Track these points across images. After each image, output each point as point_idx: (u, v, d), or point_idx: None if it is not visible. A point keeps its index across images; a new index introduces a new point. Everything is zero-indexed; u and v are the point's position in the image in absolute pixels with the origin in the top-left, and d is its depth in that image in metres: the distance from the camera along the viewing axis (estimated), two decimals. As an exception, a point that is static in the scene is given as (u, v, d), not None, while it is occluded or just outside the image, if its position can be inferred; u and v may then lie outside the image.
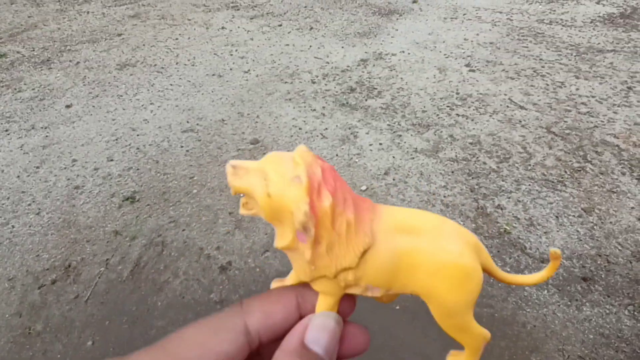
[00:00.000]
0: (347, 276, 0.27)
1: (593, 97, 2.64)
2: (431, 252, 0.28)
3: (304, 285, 0.29)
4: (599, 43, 3.30)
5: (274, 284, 0.31)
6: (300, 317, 0.28)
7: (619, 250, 1.68)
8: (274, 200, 0.26)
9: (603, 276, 1.58)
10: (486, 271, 0.31)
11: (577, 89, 2.72)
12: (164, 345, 0.23)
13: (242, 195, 0.28)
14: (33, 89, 2.80)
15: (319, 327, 0.26)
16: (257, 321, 0.26)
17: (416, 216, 0.29)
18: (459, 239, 0.29)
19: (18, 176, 2.09)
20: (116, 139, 2.33)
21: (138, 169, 2.12)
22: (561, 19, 3.75)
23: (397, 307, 1.49)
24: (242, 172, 0.27)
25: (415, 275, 0.28)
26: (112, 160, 2.18)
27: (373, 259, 0.27)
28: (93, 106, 2.62)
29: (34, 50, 3.30)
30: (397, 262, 0.28)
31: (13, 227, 1.82)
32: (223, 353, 0.24)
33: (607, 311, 1.47)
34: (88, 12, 3.97)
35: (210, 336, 0.24)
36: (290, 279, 0.31)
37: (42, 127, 2.43)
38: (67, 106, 2.62)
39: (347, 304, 0.29)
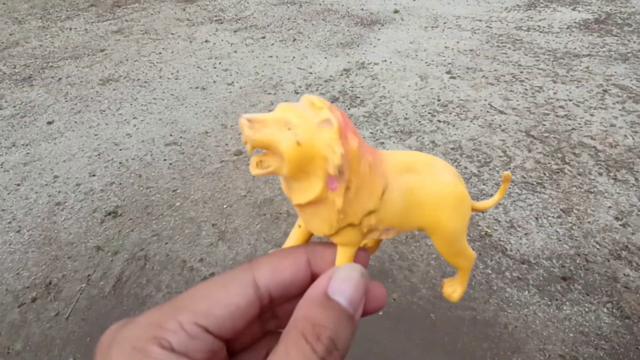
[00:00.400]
0: (370, 220, 0.27)
1: (570, 100, 2.69)
2: (432, 186, 0.30)
3: (312, 243, 0.30)
4: (575, 48, 3.37)
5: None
6: (312, 274, 0.27)
7: (597, 249, 1.71)
8: (305, 148, 0.25)
9: (582, 275, 1.61)
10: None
11: (555, 93, 2.77)
12: (174, 301, 0.23)
13: (255, 153, 0.26)
14: (14, 107, 2.78)
15: (343, 278, 0.25)
16: (266, 276, 0.25)
17: (411, 156, 0.31)
18: (449, 171, 0.31)
19: (-1, 194, 2.07)
20: (98, 154, 2.32)
21: (121, 184, 2.12)
22: (539, 26, 3.83)
23: (380, 313, 1.50)
24: (260, 125, 0.25)
25: (421, 210, 0.29)
26: (94, 175, 2.18)
27: (389, 200, 0.28)
28: (75, 122, 2.61)
29: (15, 67, 3.29)
30: (407, 200, 0.29)
31: (-7, 245, 1.81)
32: (232, 305, 0.23)
33: (587, 309, 1.49)
34: (71, 29, 3.97)
35: (219, 290, 0.24)
36: (288, 243, 0.31)
37: (23, 145, 2.42)
38: (49, 122, 2.61)
39: (362, 258, 0.29)
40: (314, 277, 0.27)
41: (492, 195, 1.98)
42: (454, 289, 0.35)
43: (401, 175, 0.29)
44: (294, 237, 0.31)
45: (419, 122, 2.53)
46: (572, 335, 1.42)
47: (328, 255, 0.28)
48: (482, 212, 1.89)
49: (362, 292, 0.25)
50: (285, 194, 0.29)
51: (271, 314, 0.28)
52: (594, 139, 2.33)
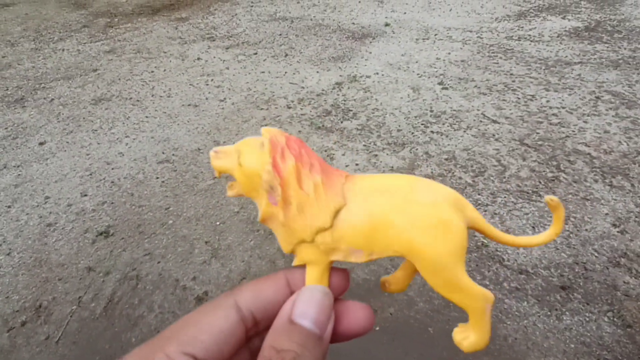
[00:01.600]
0: (324, 238, 0.28)
1: (563, 108, 2.69)
2: (403, 206, 0.28)
3: (295, 268, 0.30)
4: (566, 56, 3.39)
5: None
6: (292, 293, 0.28)
7: (596, 257, 1.69)
8: (245, 169, 0.29)
9: (581, 284, 1.58)
10: (477, 229, 0.31)
11: (548, 101, 2.78)
12: (160, 335, 0.23)
13: (230, 179, 0.31)
14: (6, 128, 2.77)
15: (306, 300, 0.25)
16: (247, 298, 0.26)
17: (389, 178, 0.30)
18: (431, 192, 0.29)
19: (-11, 217, 2.05)
20: (90, 174, 2.30)
21: (112, 203, 2.09)
22: (529, 35, 3.86)
23: (377, 328, 1.47)
24: (222, 154, 0.30)
25: (392, 233, 0.28)
26: (86, 195, 2.15)
27: (348, 219, 0.28)
28: (67, 142, 2.59)
29: (7, 89, 3.28)
30: (372, 221, 0.28)
31: (-18, 269, 1.77)
32: (216, 329, 0.24)
33: (587, 319, 1.46)
34: (63, 50, 3.98)
35: (202, 317, 0.24)
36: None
37: (14, 166, 2.40)
38: (41, 143, 2.60)
39: (338, 278, 0.30)
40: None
41: (487, 205, 1.97)
42: (464, 336, 0.31)
43: (370, 196, 0.29)
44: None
45: (412, 133, 2.53)
46: (573, 346, 1.39)
47: (303, 276, 0.29)
48: (484, 245, 1.87)
49: (327, 310, 0.25)
50: None
51: (259, 340, 0.27)
52: (589, 146, 2.32)
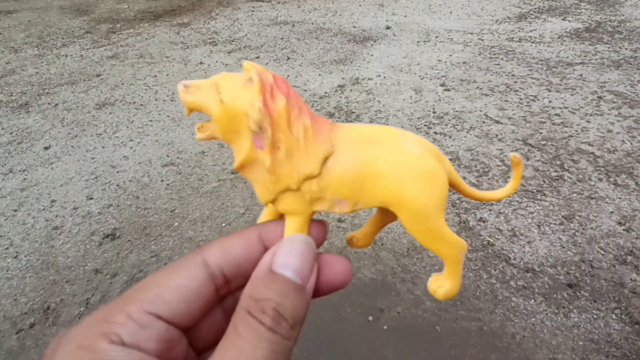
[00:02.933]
0: (311, 186, 0.27)
1: (566, 108, 2.70)
2: (393, 156, 0.28)
3: (269, 223, 0.28)
4: (567, 57, 3.41)
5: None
6: (266, 249, 0.26)
7: (602, 254, 1.69)
8: (227, 106, 0.26)
9: (588, 282, 1.58)
10: (451, 184, 0.31)
11: (550, 102, 2.78)
12: (122, 296, 0.22)
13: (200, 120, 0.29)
14: (11, 133, 2.79)
15: (287, 250, 0.24)
16: (216, 255, 0.24)
17: (375, 128, 0.29)
18: (418, 143, 0.29)
19: (-5, 220, 2.05)
20: (96, 177, 2.31)
21: (118, 206, 2.10)
22: (530, 36, 3.88)
23: (385, 327, 1.47)
24: (194, 88, 0.27)
25: (380, 183, 0.27)
26: (91, 198, 2.16)
27: (336, 168, 0.27)
28: (72, 146, 2.61)
29: (12, 95, 3.30)
30: (360, 170, 0.27)
31: (-10, 272, 1.78)
32: (182, 287, 0.22)
33: (595, 316, 1.46)
34: (66, 56, 4.00)
35: (167, 276, 0.23)
36: (259, 221, 0.30)
37: (20, 170, 2.41)
38: (46, 148, 2.61)
39: (317, 229, 0.28)
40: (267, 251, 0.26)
41: (491, 204, 1.97)
42: (439, 284, 0.30)
43: (358, 145, 0.28)
44: (265, 216, 0.31)
45: (415, 134, 2.53)
46: (581, 343, 1.39)
47: (279, 229, 0.27)
48: (489, 244, 1.88)
49: (309, 260, 0.24)
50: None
51: (233, 300, 0.26)
52: (592, 145, 2.33)
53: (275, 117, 0.26)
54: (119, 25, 4.81)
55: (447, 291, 0.30)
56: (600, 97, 2.78)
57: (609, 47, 3.51)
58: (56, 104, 3.12)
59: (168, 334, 0.21)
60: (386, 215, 0.33)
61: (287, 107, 0.26)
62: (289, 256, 0.24)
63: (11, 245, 1.91)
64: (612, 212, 1.88)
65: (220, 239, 0.26)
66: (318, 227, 0.29)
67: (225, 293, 0.25)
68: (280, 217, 0.30)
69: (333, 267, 0.26)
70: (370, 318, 1.50)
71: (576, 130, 2.47)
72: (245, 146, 0.26)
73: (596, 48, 3.52)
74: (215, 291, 0.24)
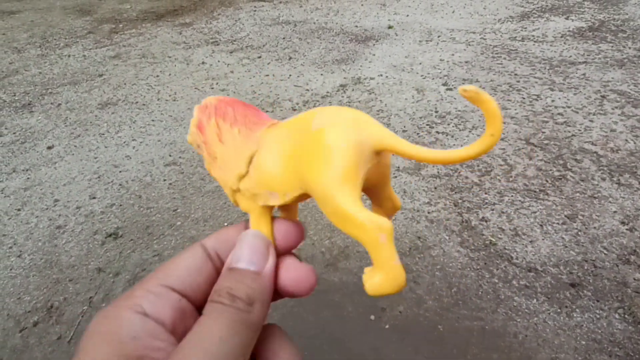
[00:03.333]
0: (246, 184, 0.30)
1: (569, 107, 2.69)
2: (300, 139, 0.27)
3: None
4: (570, 56, 3.40)
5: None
6: None
7: (605, 254, 1.68)
8: (189, 136, 0.33)
9: (591, 281, 1.58)
10: (387, 149, 0.27)
11: (553, 101, 2.78)
12: (143, 278, 0.27)
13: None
14: (14, 133, 2.80)
15: (239, 245, 0.28)
16: (212, 239, 0.29)
17: (305, 114, 0.28)
18: (325, 118, 0.27)
19: (-1, 220, 2.06)
20: (98, 177, 2.32)
21: (121, 205, 2.11)
22: (533, 36, 3.87)
23: (387, 327, 1.47)
24: (191, 130, 0.33)
25: (294, 168, 0.27)
26: (94, 198, 2.17)
27: (260, 163, 0.29)
28: (75, 146, 2.61)
29: (15, 95, 3.31)
30: (278, 161, 0.29)
31: (-7, 271, 1.79)
32: (187, 265, 0.27)
33: (598, 316, 1.46)
34: (69, 56, 4.01)
35: (175, 259, 0.28)
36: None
37: (23, 170, 2.42)
38: (49, 147, 2.62)
39: (284, 226, 0.31)
40: None
41: (494, 204, 1.97)
42: (368, 276, 0.26)
43: (282, 137, 0.29)
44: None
45: (417, 134, 2.53)
46: (584, 342, 1.38)
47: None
48: (492, 244, 1.87)
49: (260, 249, 0.27)
50: None
51: None
52: (595, 145, 2.32)
53: (207, 134, 0.31)
54: (121, 26, 4.82)
55: (375, 285, 0.25)
56: (603, 96, 2.77)
57: (612, 46, 3.50)
58: (59, 104, 3.13)
59: (181, 304, 0.26)
60: (379, 204, 0.31)
61: (217, 122, 0.31)
62: (240, 250, 0.27)
63: (15, 244, 1.91)
64: (615, 212, 1.88)
65: (218, 230, 0.31)
66: (283, 224, 0.31)
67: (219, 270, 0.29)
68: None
69: (293, 272, 0.28)
70: (372, 317, 1.50)
71: (579, 130, 2.46)
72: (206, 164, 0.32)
73: (599, 47, 3.51)
74: (215, 269, 0.28)
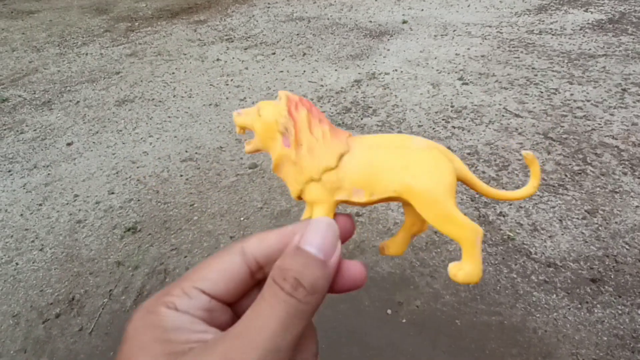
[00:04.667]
0: (330, 177, 0.32)
1: (588, 101, 2.65)
2: (400, 152, 0.32)
3: (304, 220, 0.32)
4: (590, 49, 3.33)
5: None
6: None
7: (627, 249, 1.65)
8: (263, 119, 0.33)
9: (612, 277, 1.55)
10: (464, 181, 0.35)
11: (572, 95, 2.73)
12: (181, 278, 0.27)
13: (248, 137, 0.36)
14: (34, 130, 2.85)
15: (311, 230, 0.28)
16: (253, 244, 0.28)
17: (388, 136, 0.34)
18: (424, 141, 0.33)
19: (21, 214, 2.11)
20: (117, 173, 2.35)
21: (139, 200, 2.13)
22: (550, 29, 3.81)
23: (404, 321, 1.46)
24: (244, 113, 0.35)
25: (391, 174, 0.32)
26: (113, 193, 2.20)
27: (351, 161, 0.32)
28: (93, 142, 2.65)
29: (35, 93, 3.37)
30: (373, 164, 0.32)
31: (17, 264, 1.83)
32: (222, 270, 0.27)
33: (620, 312, 1.43)
34: (87, 54, 4.07)
35: (213, 260, 0.28)
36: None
37: (44, 166, 2.47)
38: (68, 144, 2.66)
39: (343, 221, 0.32)
40: None
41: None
42: (459, 267, 0.32)
43: (372, 148, 0.33)
44: (307, 213, 0.35)
45: (433, 128, 2.51)
46: (605, 338, 1.36)
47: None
48: (510, 239, 1.86)
49: (332, 239, 0.27)
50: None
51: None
52: (616, 139, 2.27)
53: (298, 122, 0.33)
54: (137, 24, 4.88)
55: (466, 274, 0.32)
56: (624, 90, 2.72)
57: (633, 39, 3.42)
58: (77, 101, 3.18)
59: (211, 305, 0.26)
60: (414, 221, 0.36)
61: (308, 115, 0.33)
62: (313, 234, 0.27)
63: (37, 238, 1.95)
64: (637, 207, 1.84)
65: (260, 232, 0.30)
66: (344, 219, 0.33)
67: (261, 277, 0.28)
68: None
69: (350, 271, 0.29)
70: (389, 311, 1.50)
71: (599, 124, 2.42)
72: (277, 147, 0.33)
73: (620, 40, 3.43)
74: (250, 274, 0.28)
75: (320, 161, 0.32)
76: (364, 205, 0.34)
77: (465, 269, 0.32)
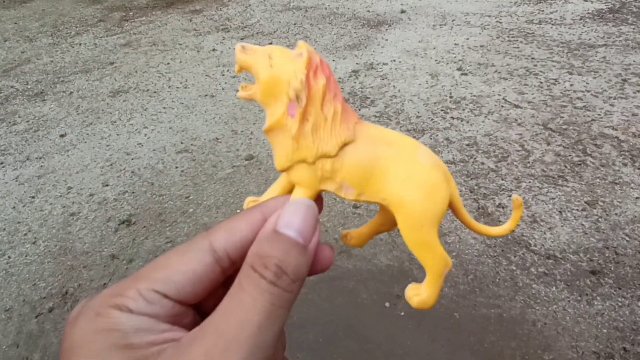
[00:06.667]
0: (325, 165, 0.29)
1: (588, 91, 2.62)
2: (405, 162, 0.30)
3: (270, 200, 0.29)
4: (590, 39, 3.30)
5: (247, 202, 0.32)
6: None
7: (627, 241, 1.64)
8: (275, 72, 0.28)
9: (612, 268, 1.54)
10: (452, 207, 0.33)
11: (572, 85, 2.70)
12: (136, 274, 0.24)
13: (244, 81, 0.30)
14: (27, 121, 2.81)
15: (291, 212, 0.25)
16: (222, 239, 0.25)
17: (397, 134, 0.31)
18: (431, 157, 0.31)
19: (14, 207, 2.08)
20: (111, 164, 2.32)
21: (133, 192, 2.10)
22: (550, 18, 3.76)
23: (402, 314, 1.45)
24: (250, 51, 0.29)
25: (388, 181, 0.29)
26: (107, 185, 2.17)
27: (352, 155, 0.29)
28: (87, 134, 2.62)
29: (27, 84, 3.32)
30: (373, 165, 0.29)
31: (9, 257, 1.80)
32: (189, 271, 0.24)
33: (620, 304, 1.42)
34: (80, 44, 4.01)
35: (177, 258, 0.24)
36: (265, 196, 0.32)
37: (37, 158, 2.43)
38: (62, 135, 2.62)
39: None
40: None
41: (511, 190, 1.93)
42: (417, 292, 0.32)
43: (377, 142, 0.30)
44: (278, 185, 0.32)
45: (432, 119, 2.48)
46: (605, 331, 1.35)
47: (281, 205, 0.28)
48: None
49: (312, 222, 0.25)
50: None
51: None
52: (616, 129, 2.25)
53: (312, 92, 0.28)
54: (131, 13, 4.81)
55: (422, 300, 0.32)
56: (624, 80, 2.69)
57: (634, 28, 3.39)
58: (71, 92, 3.13)
59: (174, 310, 0.23)
60: (384, 221, 0.35)
61: (325, 87, 0.28)
62: (292, 217, 0.25)
63: (30, 231, 1.92)
64: (637, 198, 1.82)
65: (226, 222, 0.27)
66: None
67: (232, 272, 0.26)
68: (290, 188, 0.32)
69: (319, 255, 0.27)
70: (387, 304, 1.48)
71: (599, 114, 2.39)
72: (279, 111, 0.29)
73: (620, 29, 3.40)
74: (222, 272, 0.25)
75: (321, 145, 0.29)
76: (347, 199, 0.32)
77: (422, 295, 0.32)
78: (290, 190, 0.31)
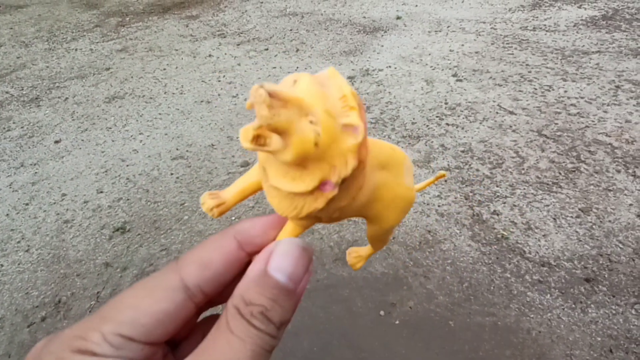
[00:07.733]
0: (334, 214, 0.26)
1: (582, 98, 2.63)
2: (392, 185, 0.30)
3: (244, 222, 0.27)
4: (583, 45, 3.32)
5: (205, 198, 0.29)
6: (248, 255, 0.26)
7: (620, 248, 1.64)
8: (320, 149, 0.21)
9: (606, 276, 1.54)
10: None
11: (566, 91, 2.72)
12: (99, 312, 0.22)
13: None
14: (22, 127, 2.80)
15: (283, 253, 0.24)
16: (194, 274, 0.24)
17: (388, 150, 0.30)
18: (410, 173, 0.32)
19: (7, 214, 2.06)
20: (105, 171, 2.31)
21: (128, 199, 2.10)
22: (544, 25, 3.79)
23: (397, 322, 1.44)
24: (280, 104, 0.20)
25: (376, 204, 0.29)
26: (101, 192, 2.16)
27: (358, 197, 0.27)
28: (82, 140, 2.61)
29: (22, 89, 3.31)
30: (370, 195, 0.28)
31: (2, 265, 1.79)
32: (160, 312, 0.22)
33: (614, 312, 1.42)
34: (76, 50, 4.01)
35: (145, 297, 0.23)
36: (230, 189, 0.30)
37: (31, 164, 2.42)
38: (56, 142, 2.61)
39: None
40: (250, 256, 0.26)
41: (505, 197, 1.93)
42: (359, 260, 0.37)
43: (375, 171, 0.28)
44: (245, 179, 0.30)
45: (427, 126, 2.49)
46: (599, 339, 1.35)
47: (257, 228, 0.27)
48: (504, 238, 1.84)
49: (304, 265, 0.24)
50: (260, 162, 0.25)
51: (212, 302, 0.27)
52: (610, 136, 2.26)
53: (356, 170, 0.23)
54: (128, 19, 4.81)
55: (361, 266, 0.38)
56: (617, 87, 2.71)
57: (626, 35, 3.41)
58: (66, 98, 3.13)
59: (143, 352, 0.22)
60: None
61: (361, 166, 0.24)
62: (284, 259, 0.24)
63: (23, 238, 1.91)
64: (631, 205, 1.83)
65: (196, 251, 0.25)
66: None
67: (205, 306, 0.26)
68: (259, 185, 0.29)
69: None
70: (382, 313, 1.48)
71: (593, 121, 2.40)
72: (308, 185, 0.23)
73: (613, 36, 3.42)
74: (195, 307, 0.24)
75: (338, 203, 0.25)
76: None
77: (362, 263, 0.38)
78: (258, 187, 0.29)
